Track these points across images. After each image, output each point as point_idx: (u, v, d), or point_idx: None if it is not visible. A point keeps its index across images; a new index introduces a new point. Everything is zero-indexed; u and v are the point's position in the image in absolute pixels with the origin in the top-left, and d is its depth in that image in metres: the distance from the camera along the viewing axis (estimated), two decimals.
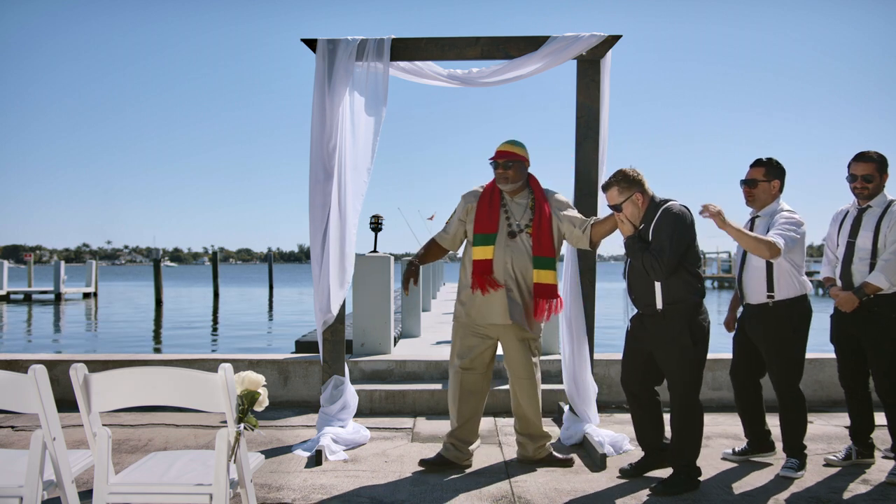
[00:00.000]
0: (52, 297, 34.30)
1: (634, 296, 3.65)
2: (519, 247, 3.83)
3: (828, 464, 3.94)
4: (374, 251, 7.09)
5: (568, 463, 3.96)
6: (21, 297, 34.88)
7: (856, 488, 3.58)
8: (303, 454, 4.18)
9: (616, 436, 4.32)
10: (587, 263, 4.62)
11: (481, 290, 3.80)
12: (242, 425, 2.40)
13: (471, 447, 3.96)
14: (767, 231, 3.68)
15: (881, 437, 4.15)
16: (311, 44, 4.59)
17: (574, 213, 3.99)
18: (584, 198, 4.67)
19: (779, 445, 3.94)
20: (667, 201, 3.57)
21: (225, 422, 2.36)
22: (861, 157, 3.80)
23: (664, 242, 3.44)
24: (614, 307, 29.71)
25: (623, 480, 3.70)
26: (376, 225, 7.66)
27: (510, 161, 3.84)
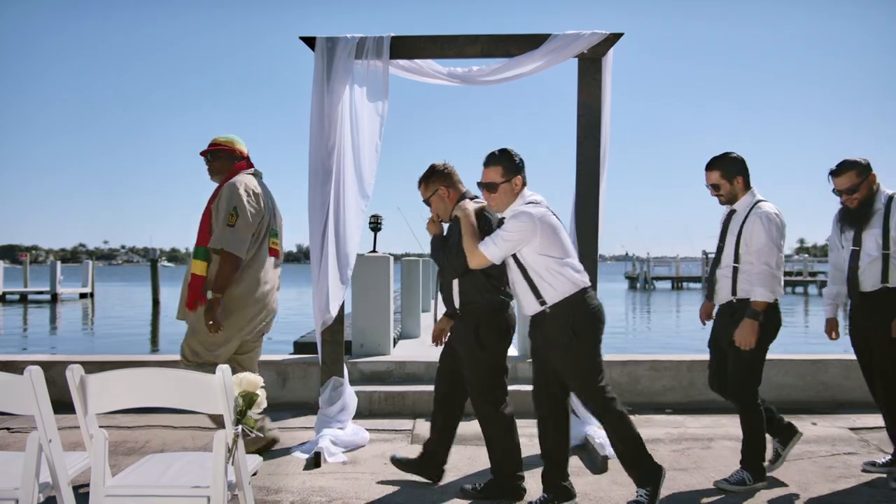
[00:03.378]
0: (48, 297, 34.30)
1: (442, 296, 3.63)
2: None
3: (717, 487, 3.66)
4: (374, 251, 7.09)
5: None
6: (17, 297, 34.88)
7: (860, 491, 3.58)
8: (301, 456, 4.18)
9: None
10: (589, 264, 4.61)
11: None
12: (240, 427, 2.40)
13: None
14: None
15: (883, 437, 4.15)
16: (310, 42, 4.59)
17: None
18: (586, 198, 4.67)
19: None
20: (474, 198, 3.54)
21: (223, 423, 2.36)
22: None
23: (456, 238, 3.39)
24: (616, 308, 29.65)
25: (626, 483, 3.69)
26: (375, 225, 7.67)
27: (210, 153, 3.93)
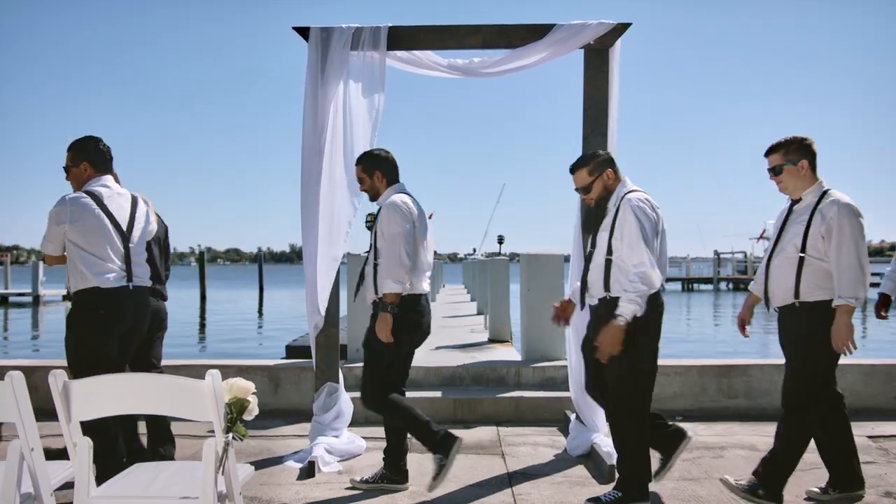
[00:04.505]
0: (29, 299, 34.31)
1: None
2: None
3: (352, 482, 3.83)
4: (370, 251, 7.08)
5: None
6: None
7: (879, 503, 3.58)
8: (295, 465, 4.18)
9: None
10: None
11: None
12: (231, 435, 2.39)
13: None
14: None
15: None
16: (304, 32, 4.59)
17: None
18: None
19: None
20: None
21: (212, 431, 2.36)
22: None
23: None
24: None
25: None
26: (373, 224, 7.66)
27: None
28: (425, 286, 3.81)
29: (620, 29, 4.51)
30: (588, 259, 3.66)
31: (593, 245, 3.64)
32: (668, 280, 52.91)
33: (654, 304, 3.46)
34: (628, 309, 3.32)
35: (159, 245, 4.04)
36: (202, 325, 25.11)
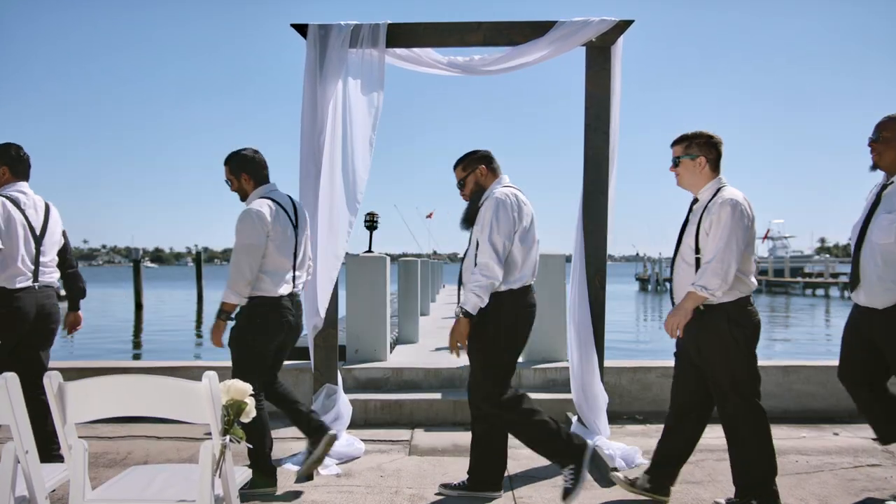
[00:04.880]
0: None
1: None
2: None
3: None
4: (369, 251, 7.09)
5: None
6: None
7: None
8: (293, 468, 4.17)
9: (628, 448, 4.32)
10: (597, 265, 4.62)
11: None
12: (228, 437, 2.39)
13: None
14: None
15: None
16: (302, 29, 4.60)
17: None
18: (594, 195, 4.67)
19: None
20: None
21: (209, 434, 2.36)
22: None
23: None
24: (626, 311, 29.75)
25: (635, 496, 3.70)
26: (371, 223, 7.67)
27: None
28: (282, 290, 3.70)
29: (622, 26, 4.51)
30: (464, 256, 3.67)
31: (470, 242, 3.65)
32: (671, 280, 53.33)
33: (523, 303, 3.51)
34: (469, 301, 3.40)
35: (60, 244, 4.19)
36: (199, 326, 25.11)
